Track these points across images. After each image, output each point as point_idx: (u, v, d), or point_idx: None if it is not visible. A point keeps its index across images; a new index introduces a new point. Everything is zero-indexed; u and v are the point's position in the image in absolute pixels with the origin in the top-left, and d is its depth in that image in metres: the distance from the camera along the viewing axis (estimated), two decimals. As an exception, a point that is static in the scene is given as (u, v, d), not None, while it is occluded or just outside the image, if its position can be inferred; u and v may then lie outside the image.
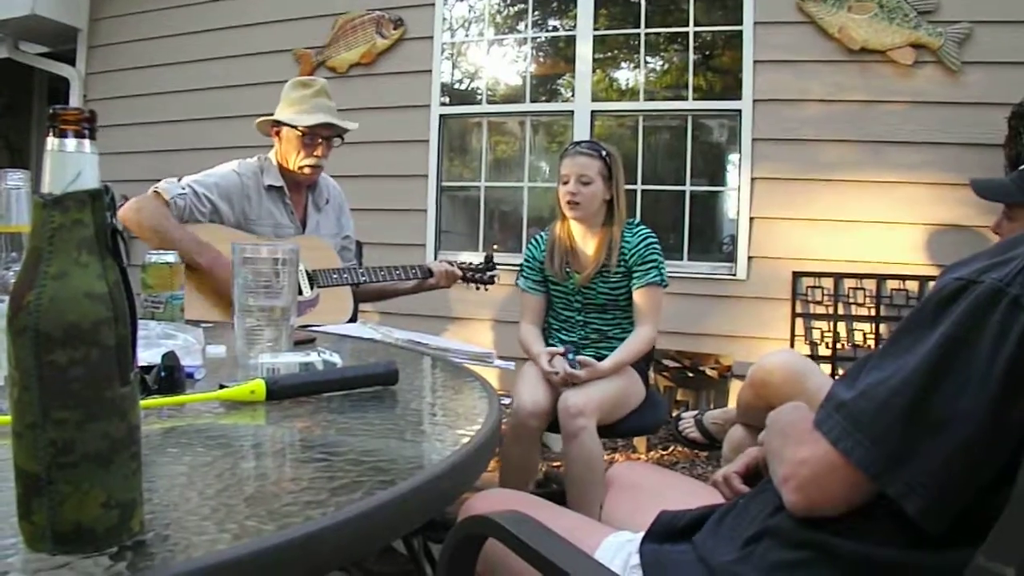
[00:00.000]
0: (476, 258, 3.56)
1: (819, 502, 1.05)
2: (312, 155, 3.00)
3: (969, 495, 0.95)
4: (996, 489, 0.92)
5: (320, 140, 3.01)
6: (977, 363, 0.93)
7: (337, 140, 3.09)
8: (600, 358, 3.00)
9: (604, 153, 3.10)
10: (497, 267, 3.42)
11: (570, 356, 2.97)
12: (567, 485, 2.88)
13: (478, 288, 3.40)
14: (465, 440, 1.07)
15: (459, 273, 3.29)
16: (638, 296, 3.06)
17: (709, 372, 4.70)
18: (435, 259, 5.46)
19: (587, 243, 3.13)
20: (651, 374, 3.34)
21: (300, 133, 2.97)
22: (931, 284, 4.33)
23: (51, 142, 0.66)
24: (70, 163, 0.66)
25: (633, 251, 3.05)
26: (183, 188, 2.83)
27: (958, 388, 0.94)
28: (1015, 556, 0.85)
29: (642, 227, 3.14)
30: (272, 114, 3.06)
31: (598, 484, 2.81)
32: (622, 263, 3.07)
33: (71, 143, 0.66)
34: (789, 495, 1.08)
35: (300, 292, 2.82)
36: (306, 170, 3.02)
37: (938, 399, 0.95)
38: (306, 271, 2.91)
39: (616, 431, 3.12)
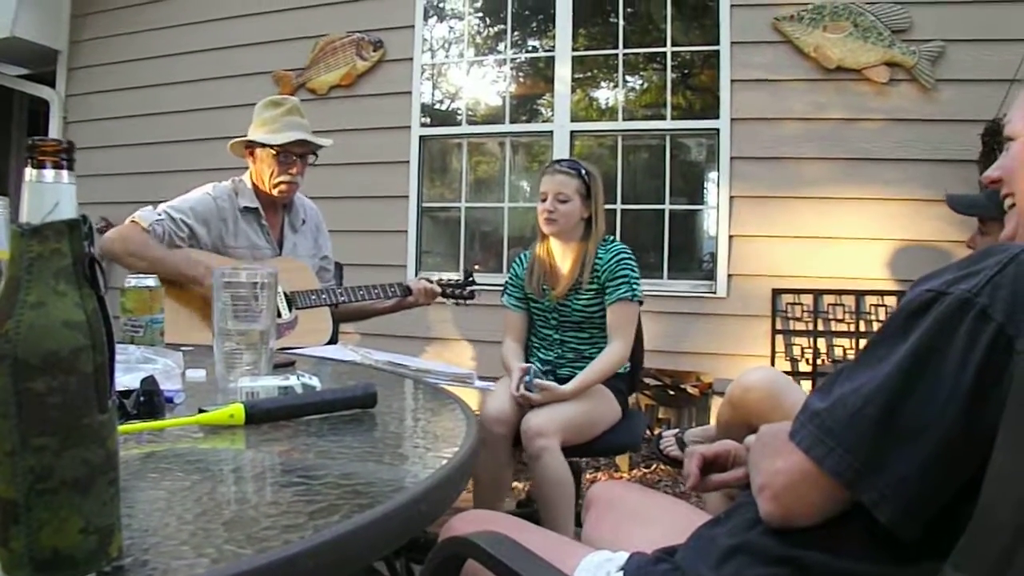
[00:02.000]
0: (456, 276, 3.56)
1: (794, 511, 1.06)
2: (287, 172, 3.00)
3: (941, 502, 0.97)
4: (965, 500, 0.93)
5: (294, 158, 3.01)
6: (947, 372, 0.95)
7: (312, 157, 3.09)
8: (571, 378, 3.01)
9: (583, 171, 3.12)
10: (476, 282, 3.42)
11: (527, 378, 2.95)
12: (538, 505, 2.88)
13: (457, 303, 3.40)
14: (443, 462, 1.08)
15: (438, 290, 3.29)
16: (610, 312, 3.06)
17: (690, 390, 4.72)
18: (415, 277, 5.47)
19: (564, 260, 3.15)
20: (625, 391, 3.31)
21: (274, 152, 2.97)
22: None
23: (29, 173, 0.67)
24: (48, 194, 0.67)
25: (605, 267, 3.06)
26: (160, 215, 2.84)
27: (929, 396, 0.96)
28: (982, 566, 0.87)
29: (616, 243, 3.14)
30: (246, 135, 3.06)
31: (568, 503, 2.83)
32: (595, 280, 3.07)
33: (49, 174, 0.67)
34: (764, 504, 1.09)
35: (278, 314, 2.82)
36: (282, 187, 3.02)
37: (910, 407, 0.96)
38: (284, 293, 2.90)
39: (590, 450, 3.11)
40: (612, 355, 3.03)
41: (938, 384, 0.95)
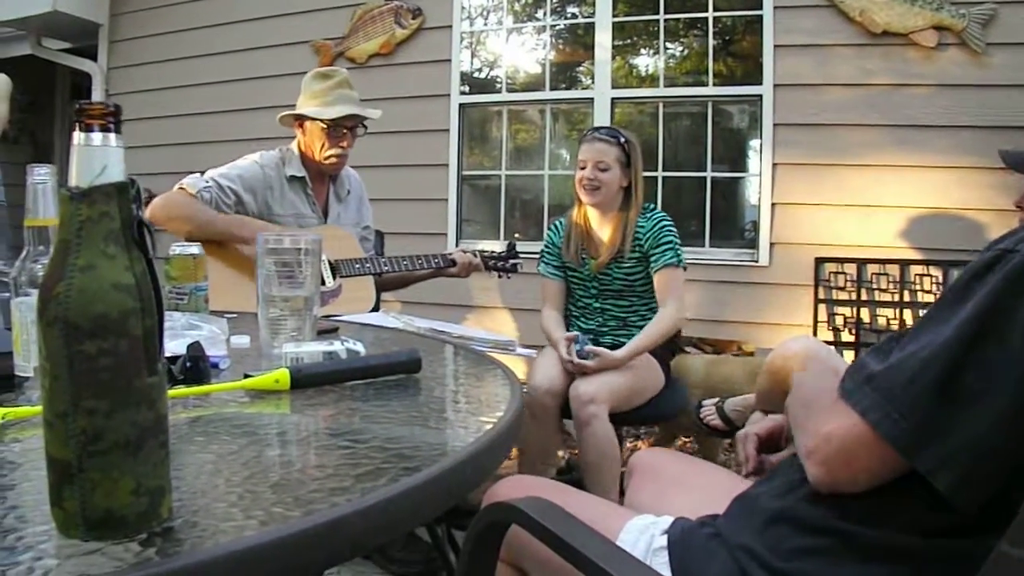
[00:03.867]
0: (498, 246, 3.55)
1: (843, 477, 1.03)
2: (337, 146, 3.02)
3: (1002, 474, 0.93)
4: (1020, 475, 0.91)
5: (344, 131, 3.02)
6: (1013, 333, 0.90)
7: (361, 129, 3.11)
8: (618, 345, 3.00)
9: (623, 140, 3.09)
10: (520, 255, 3.41)
11: (578, 346, 2.95)
12: (583, 471, 2.89)
13: (500, 276, 3.40)
14: (488, 427, 1.08)
15: (480, 264, 3.29)
16: (657, 279, 3.05)
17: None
18: (456, 247, 5.48)
19: (603, 229, 3.13)
20: (672, 362, 3.31)
21: (324, 126, 2.98)
22: (955, 271, 4.31)
23: (77, 136, 0.67)
24: (96, 157, 0.67)
25: (648, 235, 3.04)
26: (207, 182, 2.86)
27: (993, 360, 0.91)
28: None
29: (657, 211, 3.13)
30: (294, 106, 3.07)
31: (613, 470, 2.83)
32: (637, 248, 3.06)
33: (97, 137, 0.68)
34: (813, 468, 1.06)
35: (323, 282, 2.84)
36: (332, 160, 3.04)
37: (972, 371, 0.92)
38: (328, 261, 2.92)
39: (633, 418, 3.13)
40: (666, 320, 3.03)
41: (1003, 347, 0.91)
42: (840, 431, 1.02)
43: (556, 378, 2.95)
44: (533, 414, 2.94)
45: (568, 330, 3.16)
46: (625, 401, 2.92)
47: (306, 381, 1.27)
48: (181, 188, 2.83)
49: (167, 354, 1.25)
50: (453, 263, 3.21)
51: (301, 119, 3.05)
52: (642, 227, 3.06)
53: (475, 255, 3.28)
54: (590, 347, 2.93)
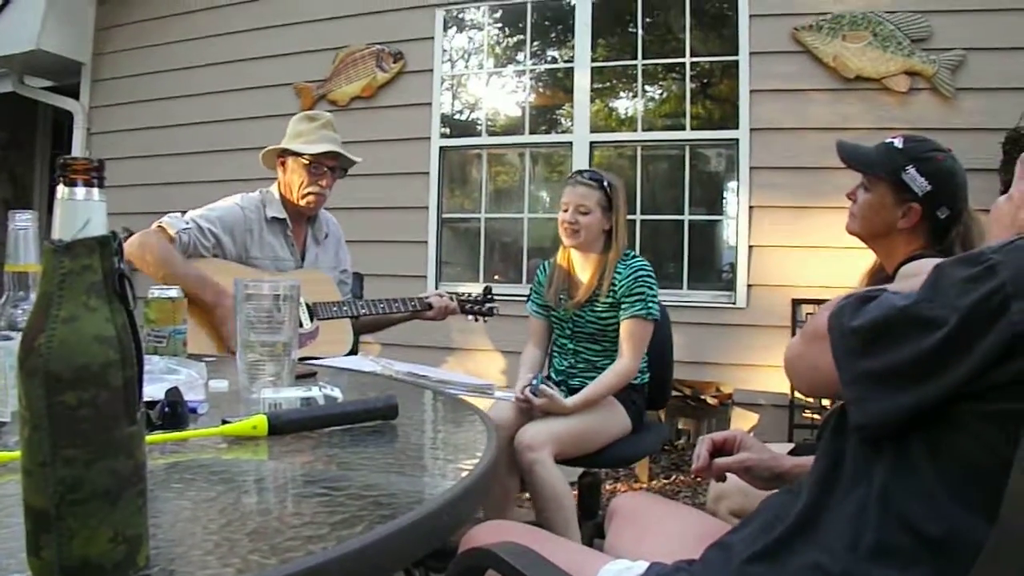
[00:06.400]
0: (476, 289, 3.57)
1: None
2: (316, 184, 3.04)
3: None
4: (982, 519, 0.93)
5: (325, 170, 3.04)
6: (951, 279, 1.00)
7: (341, 172, 3.13)
8: (582, 388, 3.01)
9: (605, 183, 3.11)
10: (496, 298, 3.43)
11: (534, 382, 2.96)
12: (536, 514, 2.88)
13: (476, 319, 3.42)
14: (464, 474, 1.09)
15: (456, 308, 3.31)
16: (623, 327, 3.05)
17: (710, 400, 4.71)
18: (435, 290, 5.49)
19: (584, 271, 3.15)
20: (641, 403, 3.29)
21: (306, 162, 3.00)
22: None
23: (61, 191, 0.69)
24: (79, 211, 0.68)
25: (623, 282, 3.05)
26: (187, 223, 2.86)
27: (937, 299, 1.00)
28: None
29: (637, 259, 3.13)
30: (273, 146, 3.10)
31: (565, 510, 2.83)
32: (611, 294, 3.07)
33: (80, 192, 0.69)
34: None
35: (300, 324, 2.84)
36: (310, 198, 3.05)
37: (920, 307, 1.01)
38: (306, 303, 2.93)
39: (594, 462, 3.12)
40: (618, 371, 3.02)
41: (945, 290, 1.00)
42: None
43: (509, 416, 2.95)
44: None
45: (548, 367, 3.18)
46: (575, 446, 2.92)
47: (284, 427, 1.27)
48: (160, 227, 2.82)
49: (145, 399, 1.26)
50: (429, 307, 3.23)
51: (284, 156, 3.07)
52: (620, 273, 3.08)
53: (452, 298, 3.30)
54: (543, 387, 2.93)
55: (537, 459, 2.79)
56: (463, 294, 3.41)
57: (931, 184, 2.07)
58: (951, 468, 0.99)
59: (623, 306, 3.05)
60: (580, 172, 3.23)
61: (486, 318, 3.42)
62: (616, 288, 3.06)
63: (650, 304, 3.03)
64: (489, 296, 3.40)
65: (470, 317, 3.39)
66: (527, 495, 3.03)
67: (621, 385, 3.04)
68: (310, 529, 0.84)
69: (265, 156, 3.14)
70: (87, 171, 0.69)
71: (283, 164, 3.08)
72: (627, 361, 3.03)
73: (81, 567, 0.65)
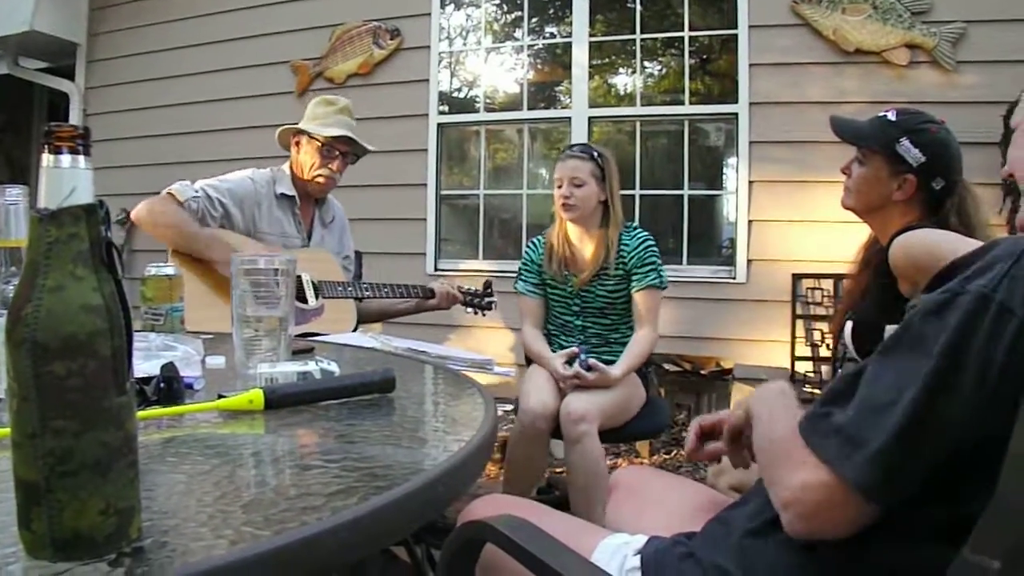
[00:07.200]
0: (476, 268, 3.58)
1: (826, 530, 1.01)
2: (327, 167, 3.06)
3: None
4: (979, 487, 0.92)
5: (337, 154, 3.06)
6: (970, 372, 0.91)
7: (352, 159, 3.17)
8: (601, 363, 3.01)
9: (596, 154, 3.12)
10: (494, 294, 3.45)
11: (582, 357, 2.97)
12: (571, 490, 2.87)
13: (475, 313, 3.45)
14: (461, 445, 1.08)
15: (460, 297, 3.35)
16: (638, 298, 3.07)
17: (710, 375, 4.71)
18: (435, 267, 5.50)
19: (584, 245, 3.15)
20: (652, 378, 3.32)
21: (320, 144, 3.03)
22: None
23: (47, 158, 0.68)
24: (65, 179, 0.67)
25: (632, 253, 3.07)
26: (197, 191, 2.86)
27: (952, 400, 0.92)
28: (999, 548, 0.86)
29: (640, 230, 3.15)
30: (281, 125, 3.16)
31: (602, 488, 2.82)
32: (620, 266, 3.08)
33: (66, 159, 0.68)
34: (793, 523, 1.03)
35: (307, 301, 2.86)
36: (319, 180, 3.07)
37: (934, 413, 0.93)
38: (312, 281, 2.93)
39: (619, 436, 3.14)
40: (644, 340, 3.07)
41: (961, 387, 0.92)
42: (815, 484, 1.00)
43: (549, 400, 2.93)
44: (527, 439, 2.93)
45: (552, 350, 3.17)
46: (612, 419, 2.93)
47: (280, 401, 1.27)
48: (169, 194, 2.83)
49: (141, 375, 1.26)
50: (432, 293, 3.25)
51: (299, 136, 3.09)
52: (627, 245, 3.09)
53: (454, 288, 3.34)
54: (593, 360, 2.94)
55: (588, 431, 2.79)
56: (464, 287, 3.43)
57: (925, 155, 2.07)
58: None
59: (635, 277, 3.06)
60: (571, 147, 3.25)
61: (485, 312, 3.46)
62: (626, 260, 3.07)
63: (661, 273, 3.10)
64: (489, 291, 3.44)
65: (469, 310, 3.42)
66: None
67: (648, 354, 3.07)
68: (305, 501, 0.83)
69: (281, 134, 3.19)
70: (72, 138, 0.68)
71: (297, 144, 3.12)
72: (649, 330, 3.09)
73: (72, 539, 0.64)
